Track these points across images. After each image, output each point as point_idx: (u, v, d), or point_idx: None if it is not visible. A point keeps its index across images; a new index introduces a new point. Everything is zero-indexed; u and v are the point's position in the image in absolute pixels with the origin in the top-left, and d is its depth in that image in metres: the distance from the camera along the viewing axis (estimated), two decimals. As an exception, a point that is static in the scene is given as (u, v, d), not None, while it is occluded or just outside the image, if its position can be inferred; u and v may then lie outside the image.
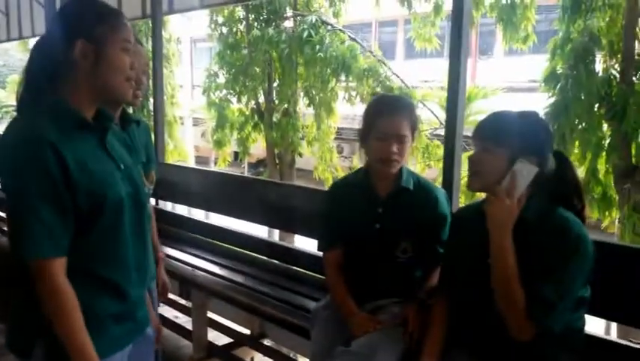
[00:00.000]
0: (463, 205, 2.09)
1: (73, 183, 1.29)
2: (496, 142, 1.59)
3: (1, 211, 4.81)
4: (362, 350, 1.81)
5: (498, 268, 1.54)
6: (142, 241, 1.51)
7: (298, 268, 3.09)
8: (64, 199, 1.28)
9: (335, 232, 2.11)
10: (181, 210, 5.46)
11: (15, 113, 1.39)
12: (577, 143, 6.05)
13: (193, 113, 15.45)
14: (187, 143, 15.11)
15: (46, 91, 1.35)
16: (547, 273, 1.49)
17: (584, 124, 5.96)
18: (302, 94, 9.31)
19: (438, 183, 2.60)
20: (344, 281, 2.07)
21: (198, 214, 5.90)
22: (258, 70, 9.40)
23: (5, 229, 5.67)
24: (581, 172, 6.27)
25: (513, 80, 12.95)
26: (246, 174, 17.09)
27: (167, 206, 4.79)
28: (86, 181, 1.31)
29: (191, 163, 14.50)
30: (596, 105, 5.95)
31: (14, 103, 1.43)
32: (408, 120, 1.93)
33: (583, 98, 5.84)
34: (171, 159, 11.75)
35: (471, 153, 1.68)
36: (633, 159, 5.84)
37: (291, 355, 3.24)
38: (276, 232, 8.13)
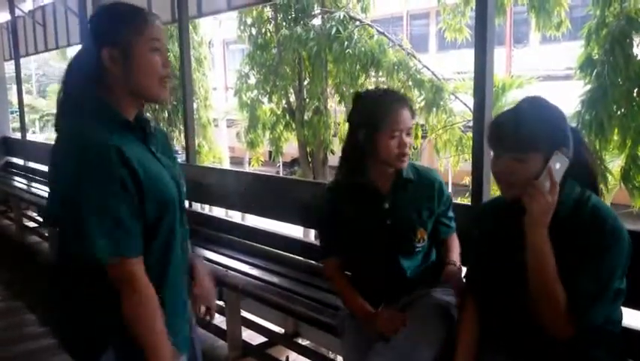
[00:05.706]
0: (490, 199, 2.02)
1: (140, 187, 1.28)
2: (526, 150, 1.47)
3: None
4: (403, 346, 1.76)
5: (537, 270, 1.45)
6: (184, 241, 1.51)
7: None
8: (135, 202, 1.28)
9: (332, 240, 2.06)
10: (218, 212, 5.52)
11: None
12: (616, 130, 5.86)
13: (227, 115, 15.59)
14: (222, 144, 15.28)
15: (87, 95, 1.36)
16: (586, 266, 1.42)
17: (622, 110, 5.77)
18: (332, 91, 9.28)
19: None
20: (351, 285, 2.01)
21: (236, 216, 5.94)
22: (287, 69, 9.41)
23: (47, 234, 5.81)
24: (621, 160, 6.10)
25: (550, 69, 12.72)
26: (281, 173, 17.22)
27: (205, 208, 4.83)
28: (152, 185, 1.31)
29: (226, 164, 14.64)
30: (635, 90, 5.77)
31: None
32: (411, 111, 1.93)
33: (621, 83, 5.67)
34: (207, 160, 11.91)
35: (496, 161, 1.54)
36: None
37: (329, 354, 3.23)
38: (312, 232, 8.13)
